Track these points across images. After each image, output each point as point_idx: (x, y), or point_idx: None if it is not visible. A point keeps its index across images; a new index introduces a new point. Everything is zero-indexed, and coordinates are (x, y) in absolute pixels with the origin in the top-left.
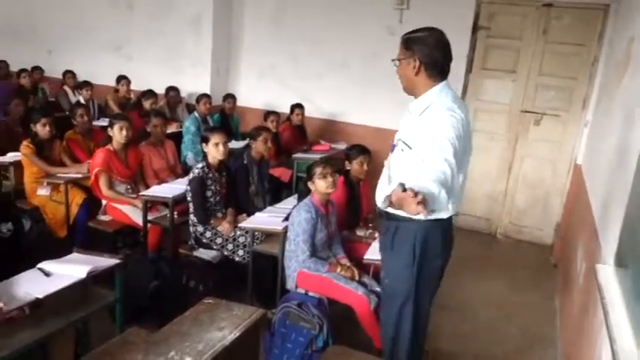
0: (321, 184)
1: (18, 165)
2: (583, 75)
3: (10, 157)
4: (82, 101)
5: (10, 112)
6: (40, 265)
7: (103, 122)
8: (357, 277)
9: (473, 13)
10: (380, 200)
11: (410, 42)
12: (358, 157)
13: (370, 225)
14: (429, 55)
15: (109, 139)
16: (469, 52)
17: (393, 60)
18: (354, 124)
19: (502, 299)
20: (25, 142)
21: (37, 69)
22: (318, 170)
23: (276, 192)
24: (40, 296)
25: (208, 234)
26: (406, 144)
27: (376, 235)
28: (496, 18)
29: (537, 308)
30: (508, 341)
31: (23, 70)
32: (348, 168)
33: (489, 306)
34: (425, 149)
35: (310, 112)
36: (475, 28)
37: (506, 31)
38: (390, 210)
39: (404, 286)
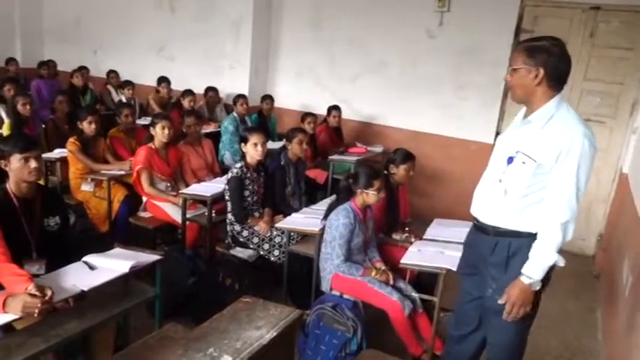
0: (373, 198)
1: (64, 161)
2: (631, 80)
3: (57, 153)
4: (124, 100)
5: (56, 110)
6: (85, 259)
7: (145, 121)
8: (391, 282)
9: (516, 16)
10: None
11: (533, 51)
12: (406, 163)
13: (407, 229)
14: (555, 65)
15: (151, 138)
16: (511, 55)
17: (510, 68)
18: (390, 127)
19: (541, 309)
20: (71, 139)
21: (83, 68)
22: (377, 184)
23: (311, 193)
24: (86, 289)
25: (245, 233)
26: (529, 157)
27: (412, 239)
28: (540, 21)
29: (578, 320)
30: (548, 353)
31: (77, 71)
32: (393, 172)
33: None
34: (553, 182)
35: (347, 114)
36: (518, 31)
37: (550, 34)
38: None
39: None
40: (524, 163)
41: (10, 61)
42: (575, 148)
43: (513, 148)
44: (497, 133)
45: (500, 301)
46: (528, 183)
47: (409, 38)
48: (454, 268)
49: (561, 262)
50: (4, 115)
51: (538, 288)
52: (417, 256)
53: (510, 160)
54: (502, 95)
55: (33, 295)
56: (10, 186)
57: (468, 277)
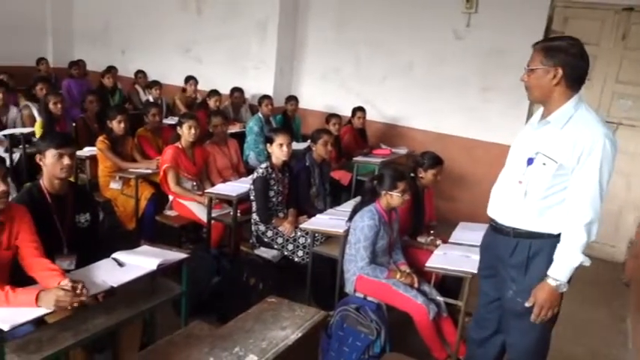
0: (397, 200)
1: (93, 159)
2: None
3: (87, 151)
4: (152, 100)
5: (87, 109)
6: (114, 255)
7: (171, 121)
8: (416, 285)
9: (546, 17)
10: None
11: (552, 51)
12: (434, 167)
13: (432, 232)
14: (574, 65)
15: (178, 137)
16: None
17: (527, 68)
18: (415, 129)
19: (568, 315)
20: (100, 138)
21: (112, 68)
22: (402, 186)
23: (335, 195)
24: (115, 285)
25: (270, 233)
26: (550, 158)
27: (438, 242)
28: (571, 22)
29: (607, 328)
30: None
31: (107, 71)
32: (421, 176)
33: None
34: (576, 183)
35: (371, 115)
36: (547, 33)
37: (581, 36)
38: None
39: None
40: (544, 164)
41: (41, 60)
42: (597, 149)
43: (533, 150)
44: None
45: (527, 304)
46: (549, 184)
47: (435, 39)
48: None
49: (587, 263)
50: (36, 114)
51: (565, 290)
52: (443, 259)
53: (530, 161)
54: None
55: (65, 290)
56: (44, 182)
57: (486, 279)
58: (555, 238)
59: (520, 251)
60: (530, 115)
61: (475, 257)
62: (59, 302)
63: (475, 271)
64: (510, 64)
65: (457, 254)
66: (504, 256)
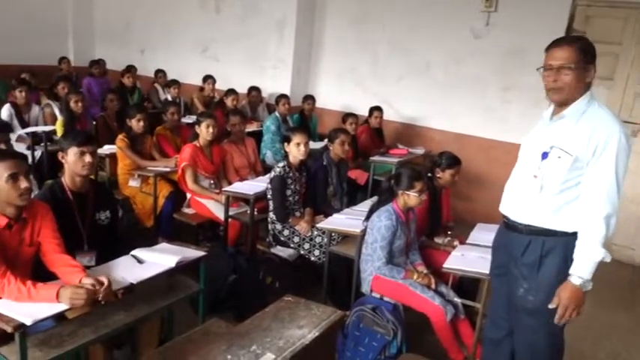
0: (415, 200)
1: (113, 157)
2: None
3: (107, 149)
4: (170, 99)
5: (107, 108)
6: (133, 252)
7: (189, 119)
8: (433, 286)
9: (567, 16)
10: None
11: (589, 50)
12: (452, 168)
13: (449, 233)
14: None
15: (196, 136)
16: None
17: (564, 66)
18: (433, 129)
19: (590, 319)
20: (120, 136)
21: (132, 68)
22: (419, 186)
23: (351, 194)
24: (134, 282)
25: (286, 232)
26: (565, 151)
27: (455, 243)
28: (592, 21)
29: (628, 332)
30: None
31: (127, 71)
32: (439, 176)
33: (574, 325)
34: (592, 176)
35: (388, 115)
36: (569, 32)
37: (603, 35)
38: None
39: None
40: (559, 157)
41: (63, 60)
42: (612, 142)
43: (547, 144)
44: None
45: (551, 305)
46: (564, 178)
47: (454, 39)
48: None
49: (608, 258)
50: (57, 112)
51: (590, 288)
52: (460, 260)
53: (545, 155)
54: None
55: (83, 288)
56: (66, 180)
57: (499, 277)
58: (569, 237)
59: (533, 249)
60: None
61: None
62: (74, 300)
63: None
64: (530, 63)
65: (475, 255)
66: (516, 253)
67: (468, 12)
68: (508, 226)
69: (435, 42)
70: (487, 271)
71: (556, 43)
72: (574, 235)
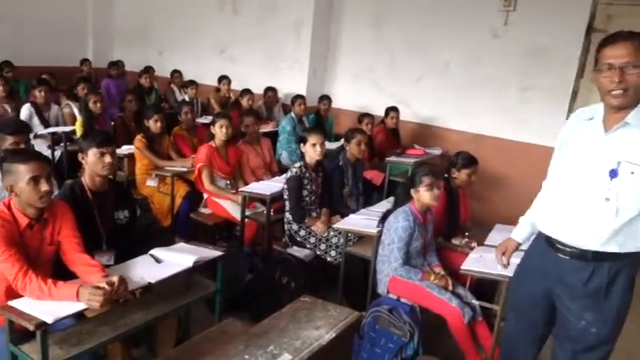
0: (426, 196)
1: (131, 157)
2: None
3: (125, 149)
4: (187, 99)
5: (125, 108)
6: (152, 252)
7: (206, 120)
8: (450, 287)
9: (588, 15)
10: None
11: None
12: (468, 167)
13: (467, 234)
14: None
15: (212, 137)
16: (581, 55)
17: (630, 65)
18: (450, 129)
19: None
20: (138, 136)
21: (150, 69)
22: (427, 180)
23: (367, 195)
24: (153, 281)
25: (302, 232)
26: (637, 165)
27: (473, 244)
28: (614, 20)
29: None
30: None
31: (145, 72)
32: (455, 176)
33: None
34: None
35: (405, 115)
36: (589, 31)
37: None
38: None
39: (616, 334)
40: (633, 173)
41: (85, 61)
42: None
43: (613, 159)
44: None
45: None
46: None
47: (472, 38)
48: None
49: None
50: (76, 113)
51: None
52: (479, 262)
53: (614, 173)
54: (570, 97)
55: (99, 289)
56: (86, 180)
57: (533, 304)
58: (634, 256)
59: (598, 276)
60: (570, 115)
61: (513, 261)
62: (90, 302)
63: (512, 275)
64: (550, 63)
65: (493, 257)
66: (575, 283)
67: (486, 11)
68: (562, 251)
69: (452, 42)
70: (506, 273)
71: (612, 40)
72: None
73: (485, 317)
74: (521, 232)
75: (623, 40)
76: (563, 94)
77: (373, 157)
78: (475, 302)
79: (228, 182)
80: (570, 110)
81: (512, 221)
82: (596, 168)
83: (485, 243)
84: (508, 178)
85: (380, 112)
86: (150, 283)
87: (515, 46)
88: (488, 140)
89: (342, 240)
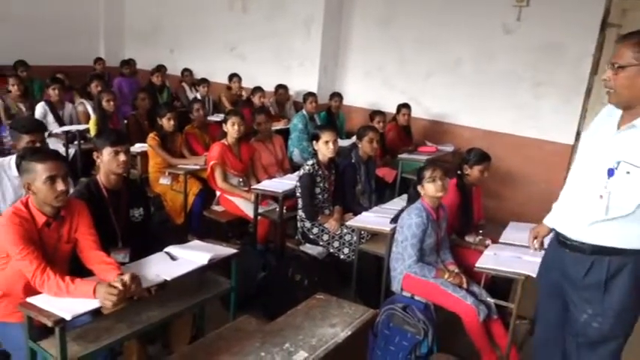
0: (430, 188)
1: (144, 155)
2: None
3: (138, 147)
4: (199, 97)
5: (138, 107)
6: (167, 249)
7: (217, 117)
8: (465, 285)
9: (602, 10)
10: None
11: None
12: (481, 164)
13: (480, 232)
14: None
15: (225, 134)
16: (595, 51)
17: (615, 65)
18: (462, 126)
19: None
20: (151, 135)
21: (162, 67)
22: (427, 174)
23: (379, 192)
24: (168, 279)
25: (315, 230)
26: (634, 165)
27: (487, 242)
28: (629, 15)
29: None
30: None
31: (157, 70)
32: (467, 173)
33: None
34: None
35: (416, 112)
36: (604, 26)
37: None
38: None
39: (620, 331)
40: (628, 172)
41: (98, 60)
42: None
43: (613, 159)
44: (578, 134)
45: None
46: (636, 196)
47: (484, 35)
48: (533, 274)
49: None
50: (90, 111)
51: None
52: (493, 260)
53: (611, 172)
54: (584, 93)
55: (114, 288)
56: (101, 178)
57: (550, 297)
58: (635, 254)
59: (597, 269)
60: (584, 111)
61: (527, 258)
62: (105, 300)
63: (528, 273)
64: (564, 58)
65: (508, 255)
66: (575, 275)
67: (498, 7)
68: (565, 244)
69: (464, 38)
70: (521, 271)
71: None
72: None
73: (501, 316)
74: (553, 217)
75: (623, 39)
76: (577, 91)
77: (385, 154)
78: (490, 300)
79: (241, 180)
80: (584, 107)
81: (526, 218)
82: (598, 165)
83: (500, 240)
84: (521, 175)
85: (391, 109)
86: (165, 280)
87: (528, 42)
88: (501, 137)
89: (355, 237)
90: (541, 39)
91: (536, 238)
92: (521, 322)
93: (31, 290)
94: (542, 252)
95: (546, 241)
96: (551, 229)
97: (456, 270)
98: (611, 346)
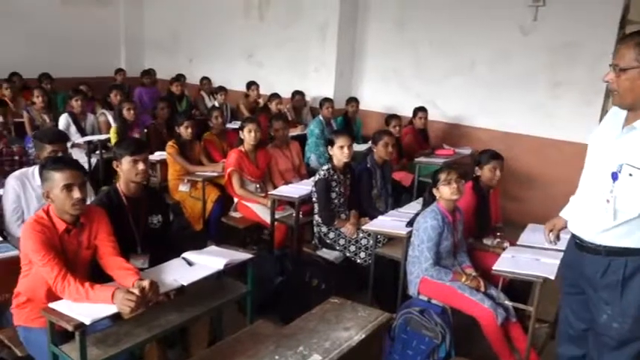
0: (445, 191)
1: (163, 163)
2: None
3: (157, 155)
4: (217, 105)
5: (158, 116)
6: (184, 255)
7: (235, 125)
8: (482, 288)
9: (622, 7)
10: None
11: None
12: (489, 162)
13: (498, 234)
14: None
15: (242, 141)
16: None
17: (616, 67)
18: (479, 129)
19: None
20: (170, 143)
21: (181, 77)
22: (442, 176)
23: (396, 196)
24: (185, 283)
25: (332, 235)
26: (636, 167)
27: (505, 244)
28: None
29: None
30: None
31: (176, 80)
32: (479, 174)
33: None
34: None
35: (433, 115)
36: (623, 24)
37: None
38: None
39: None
40: (631, 175)
41: (119, 71)
42: None
43: (616, 162)
44: None
45: None
46: None
47: (500, 36)
48: (552, 277)
49: None
50: (111, 120)
51: None
52: (511, 262)
53: (615, 176)
54: (604, 93)
55: (132, 294)
56: (121, 186)
57: (572, 295)
58: None
59: (613, 271)
60: (604, 111)
61: (546, 260)
62: (122, 306)
63: (547, 276)
64: (582, 57)
65: (526, 257)
66: (593, 276)
67: (514, 8)
68: (581, 246)
69: (480, 40)
70: (540, 274)
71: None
72: None
73: (520, 319)
74: (570, 210)
75: (624, 40)
76: (597, 90)
77: (402, 158)
78: (508, 303)
79: (258, 186)
80: (604, 106)
81: (545, 220)
82: (603, 169)
83: (518, 243)
84: (540, 177)
85: (408, 113)
86: (183, 285)
87: (546, 42)
88: (519, 138)
89: (371, 242)
90: (558, 38)
91: (551, 231)
92: (541, 325)
93: (53, 296)
94: (557, 248)
95: (562, 235)
96: (567, 222)
97: (474, 273)
98: (633, 349)
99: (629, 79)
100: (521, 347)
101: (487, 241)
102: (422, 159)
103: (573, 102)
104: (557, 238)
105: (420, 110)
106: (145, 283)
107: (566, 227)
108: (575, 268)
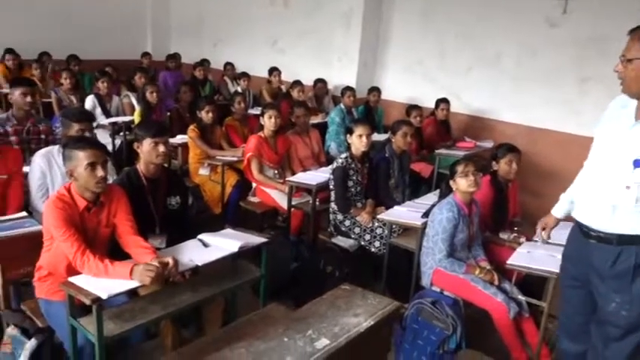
0: (462, 183)
1: (185, 146)
2: None
3: (179, 139)
4: (240, 91)
5: (180, 100)
6: (200, 237)
7: (257, 111)
8: (496, 282)
9: None
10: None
11: None
12: (506, 155)
13: (515, 229)
14: None
15: (262, 127)
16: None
17: (623, 58)
18: (503, 122)
19: None
20: (191, 127)
21: (205, 61)
22: (460, 168)
23: (415, 187)
24: (200, 264)
25: (347, 223)
26: None
27: (521, 239)
28: None
29: None
30: None
31: (200, 64)
32: (496, 168)
33: None
34: None
35: (456, 107)
36: None
37: None
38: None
39: None
40: None
41: (145, 54)
42: None
43: (637, 149)
44: None
45: None
46: None
47: (527, 29)
48: None
49: None
50: (135, 103)
51: None
52: (526, 257)
53: (638, 163)
54: None
55: (152, 266)
56: (141, 167)
57: (573, 289)
58: None
59: (625, 259)
60: (637, 109)
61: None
62: (143, 276)
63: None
64: (612, 51)
65: (542, 253)
66: (602, 266)
67: (542, 0)
68: (590, 235)
69: (506, 32)
70: (555, 269)
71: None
72: None
73: (533, 314)
74: (561, 208)
75: (632, 32)
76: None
77: (422, 149)
78: (522, 298)
79: (276, 172)
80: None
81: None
82: (621, 156)
83: (534, 238)
84: (563, 173)
85: (430, 104)
86: (197, 265)
87: (575, 35)
88: (544, 133)
89: (386, 231)
90: (588, 32)
91: (544, 229)
92: (553, 321)
93: (73, 270)
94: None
95: (554, 233)
96: (559, 219)
97: (488, 267)
98: (638, 337)
99: (635, 69)
100: (533, 342)
101: (503, 235)
102: (442, 151)
103: (601, 98)
104: (548, 237)
105: (443, 102)
106: (170, 259)
107: (557, 225)
108: (579, 259)
